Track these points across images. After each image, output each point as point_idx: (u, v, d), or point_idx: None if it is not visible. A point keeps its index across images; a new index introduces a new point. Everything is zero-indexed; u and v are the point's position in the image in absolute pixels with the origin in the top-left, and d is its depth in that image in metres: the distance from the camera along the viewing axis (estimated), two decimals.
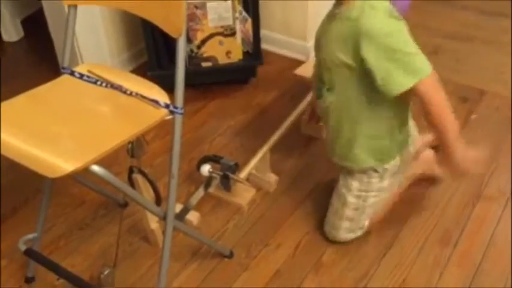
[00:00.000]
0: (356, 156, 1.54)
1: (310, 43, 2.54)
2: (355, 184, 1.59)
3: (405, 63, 1.28)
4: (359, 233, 1.64)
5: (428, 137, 1.73)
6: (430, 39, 2.63)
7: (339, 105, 1.49)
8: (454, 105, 2.18)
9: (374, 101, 1.42)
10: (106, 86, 1.29)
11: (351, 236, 1.63)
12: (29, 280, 1.57)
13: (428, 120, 1.36)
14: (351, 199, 1.60)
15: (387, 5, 1.33)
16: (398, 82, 1.30)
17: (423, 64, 1.31)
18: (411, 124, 1.61)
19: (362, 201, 1.60)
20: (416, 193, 1.79)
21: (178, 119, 1.24)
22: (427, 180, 1.80)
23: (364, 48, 1.29)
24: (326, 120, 1.60)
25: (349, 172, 1.60)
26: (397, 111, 1.48)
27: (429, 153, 1.75)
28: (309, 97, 2.01)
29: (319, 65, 1.52)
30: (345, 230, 1.62)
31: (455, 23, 2.80)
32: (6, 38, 2.83)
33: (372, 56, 1.28)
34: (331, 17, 1.42)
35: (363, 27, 1.28)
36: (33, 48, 2.78)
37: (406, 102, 1.51)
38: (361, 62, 1.32)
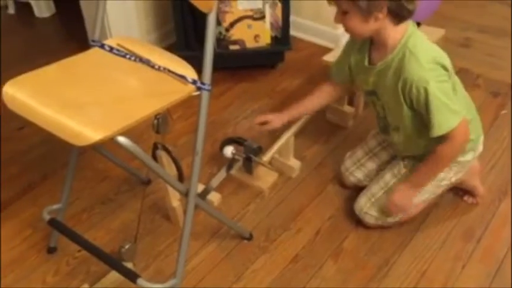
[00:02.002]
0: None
1: (340, 30, 2.51)
2: None
3: (440, 110, 1.37)
4: (389, 219, 1.61)
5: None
6: (462, 32, 2.57)
7: (407, 138, 1.54)
8: (484, 100, 2.19)
9: None
10: (135, 60, 1.29)
11: (381, 219, 1.60)
12: (50, 250, 1.60)
13: (438, 156, 1.47)
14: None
15: (429, 48, 1.40)
16: (438, 124, 1.39)
17: (458, 109, 1.40)
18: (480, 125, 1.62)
19: None
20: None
21: (205, 95, 1.23)
22: (464, 191, 1.76)
23: (408, 93, 1.39)
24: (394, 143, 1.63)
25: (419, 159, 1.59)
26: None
27: (476, 164, 1.71)
28: None
29: (383, 108, 1.56)
30: (382, 207, 1.59)
31: (489, 16, 2.73)
32: (38, 13, 2.87)
33: (414, 100, 1.39)
34: (378, 70, 1.46)
35: (404, 74, 1.37)
36: (64, 25, 2.81)
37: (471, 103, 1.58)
38: (411, 103, 1.42)
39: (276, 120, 1.73)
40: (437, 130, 1.40)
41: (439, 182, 1.60)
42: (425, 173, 1.53)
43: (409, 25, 1.41)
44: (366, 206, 1.61)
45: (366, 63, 1.51)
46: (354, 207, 1.66)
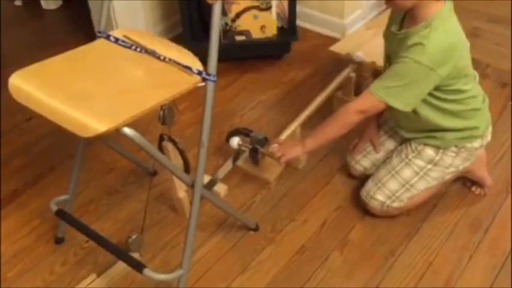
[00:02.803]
0: (441, 141, 1.57)
1: (347, 20, 2.50)
2: (429, 152, 1.59)
3: (394, 85, 1.43)
4: (395, 204, 1.60)
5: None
6: (471, 21, 2.54)
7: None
8: (493, 90, 2.16)
9: (444, 100, 1.50)
10: (140, 51, 1.29)
11: (387, 202, 1.60)
12: (58, 241, 1.61)
13: (336, 113, 1.56)
14: (419, 162, 1.59)
15: (447, 36, 1.40)
16: (377, 87, 1.45)
17: (401, 99, 1.44)
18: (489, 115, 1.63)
19: (426, 170, 1.59)
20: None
21: (211, 86, 1.23)
22: (472, 181, 1.75)
23: (401, 52, 1.42)
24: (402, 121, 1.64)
25: (426, 143, 1.60)
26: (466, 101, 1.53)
27: (483, 154, 1.72)
28: (342, 75, 1.98)
29: None
30: (388, 192, 1.59)
31: (498, 6, 2.70)
32: (45, 5, 2.88)
33: (397, 57, 1.42)
34: (401, 36, 1.47)
35: (411, 43, 1.40)
36: (70, 17, 2.81)
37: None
38: None
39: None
40: (374, 87, 1.44)
41: (445, 169, 1.60)
42: (318, 131, 1.58)
43: (444, 5, 1.41)
44: (373, 191, 1.62)
45: (394, 29, 1.52)
46: (361, 193, 1.66)
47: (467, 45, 1.48)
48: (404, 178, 1.59)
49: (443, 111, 1.52)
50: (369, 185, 1.64)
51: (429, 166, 1.59)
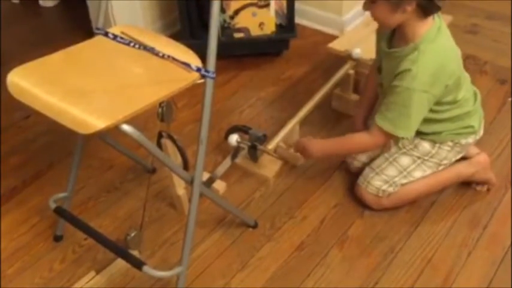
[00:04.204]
0: (437, 136, 1.60)
1: (345, 17, 2.50)
2: (425, 146, 1.62)
3: (400, 111, 1.46)
4: (391, 189, 1.62)
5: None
6: (469, 18, 2.54)
7: None
8: (491, 87, 2.17)
9: (438, 111, 1.54)
10: (139, 48, 1.29)
11: (383, 187, 1.62)
12: (57, 238, 1.61)
13: (352, 139, 1.63)
14: (415, 153, 1.63)
15: (437, 57, 1.41)
16: (383, 120, 1.49)
17: (405, 127, 1.48)
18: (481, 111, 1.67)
19: (423, 160, 1.63)
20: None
21: (210, 83, 1.23)
22: (478, 183, 1.75)
23: (396, 78, 1.44)
24: None
25: (422, 138, 1.63)
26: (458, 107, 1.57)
27: (484, 157, 1.73)
28: (341, 72, 1.98)
29: (380, 86, 1.62)
30: (386, 177, 1.61)
31: (497, 3, 2.70)
32: (42, 3, 2.87)
33: (393, 86, 1.45)
34: (391, 55, 1.50)
35: (401, 69, 1.42)
36: (68, 14, 2.80)
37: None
38: None
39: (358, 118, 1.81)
40: (380, 120, 1.48)
41: (440, 161, 1.64)
42: (334, 144, 1.67)
43: (432, 24, 1.43)
44: (370, 176, 1.64)
45: (383, 45, 1.54)
46: (358, 180, 1.67)
47: (459, 54, 1.51)
48: (402, 165, 1.62)
49: (438, 120, 1.56)
50: (366, 171, 1.67)
51: (425, 157, 1.63)
